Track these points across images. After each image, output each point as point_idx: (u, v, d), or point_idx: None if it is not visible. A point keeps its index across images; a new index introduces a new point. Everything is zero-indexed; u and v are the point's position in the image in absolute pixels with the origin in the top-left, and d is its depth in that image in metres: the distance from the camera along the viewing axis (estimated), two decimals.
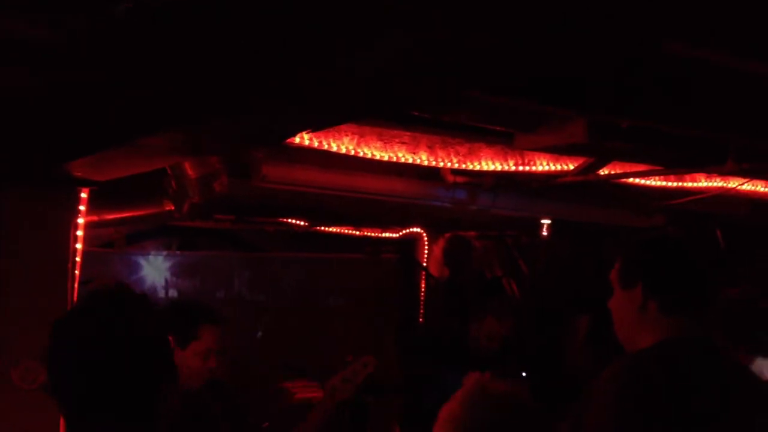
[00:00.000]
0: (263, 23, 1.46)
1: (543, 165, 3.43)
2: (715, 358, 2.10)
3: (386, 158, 3.22)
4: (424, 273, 5.52)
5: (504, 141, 2.86)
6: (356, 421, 3.93)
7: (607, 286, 2.25)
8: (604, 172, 3.48)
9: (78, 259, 2.60)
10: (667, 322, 2.06)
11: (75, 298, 2.61)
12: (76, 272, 2.62)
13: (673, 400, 1.95)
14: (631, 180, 3.58)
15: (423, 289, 5.53)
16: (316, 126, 2.20)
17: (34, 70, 1.82)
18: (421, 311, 5.51)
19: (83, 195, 2.57)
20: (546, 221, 4.47)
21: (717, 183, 3.86)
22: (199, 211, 3.20)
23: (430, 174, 3.65)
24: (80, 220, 2.58)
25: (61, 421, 2.48)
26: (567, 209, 4.09)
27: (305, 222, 4.90)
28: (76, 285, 2.63)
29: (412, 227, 5.45)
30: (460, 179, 3.56)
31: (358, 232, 5.34)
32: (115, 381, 1.57)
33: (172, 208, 3.21)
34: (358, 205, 3.99)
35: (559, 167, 3.45)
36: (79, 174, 2.33)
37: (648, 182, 3.65)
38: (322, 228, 5.14)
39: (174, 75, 1.69)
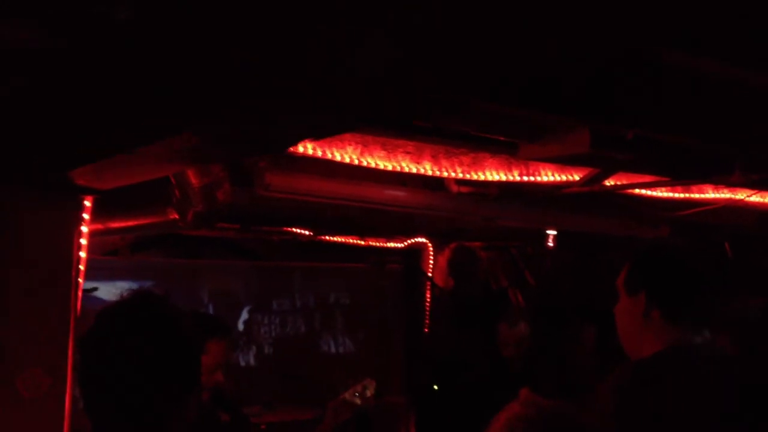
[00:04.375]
0: (260, 26, 1.46)
1: (548, 175, 3.41)
2: (721, 366, 2.08)
3: (390, 168, 3.21)
4: (429, 283, 5.50)
5: (508, 151, 2.85)
6: None
7: (613, 295, 2.25)
8: (609, 182, 3.46)
9: (82, 267, 2.60)
10: (670, 330, 2.06)
11: (78, 307, 2.61)
12: (80, 280, 2.62)
13: (676, 409, 1.94)
14: (637, 191, 3.57)
15: (428, 300, 5.52)
16: (319, 133, 2.19)
17: (35, 77, 1.82)
18: (427, 321, 5.49)
19: (87, 203, 2.57)
20: (552, 232, 4.46)
21: (724, 194, 3.84)
22: (202, 219, 3.20)
23: (435, 183, 3.64)
24: (84, 229, 2.57)
25: (66, 428, 2.48)
26: (572, 219, 4.07)
27: (310, 231, 4.90)
28: (79, 293, 2.63)
29: (417, 237, 5.45)
30: (464, 189, 3.55)
31: (362, 242, 5.33)
32: (146, 383, 1.58)
33: (176, 216, 3.21)
34: (363, 215, 3.99)
35: (564, 178, 3.44)
36: (82, 182, 2.33)
37: (654, 193, 3.63)
38: (327, 237, 5.14)
39: (172, 81, 1.68)
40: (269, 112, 1.62)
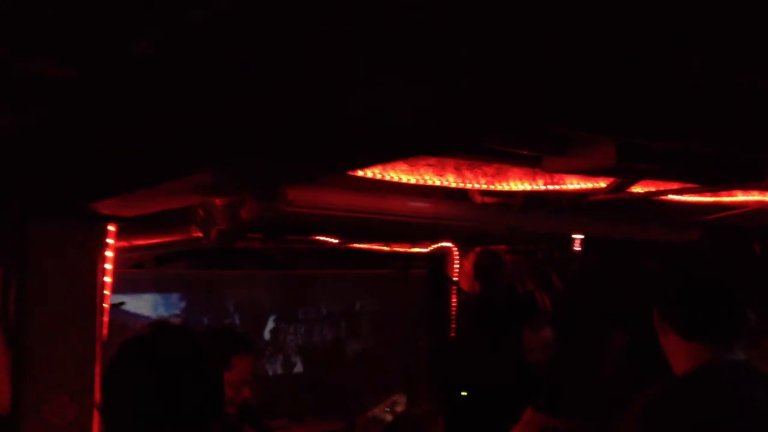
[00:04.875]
0: (280, 72, 1.44)
1: (573, 184, 3.36)
2: (754, 383, 2.02)
3: (413, 181, 3.18)
4: (454, 288, 5.47)
5: (532, 164, 2.81)
6: None
7: (640, 299, 2.20)
8: (636, 189, 3.40)
9: (107, 292, 2.60)
10: (692, 348, 2.00)
11: (105, 331, 2.62)
12: (105, 306, 2.63)
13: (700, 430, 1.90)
14: (664, 197, 3.51)
15: (454, 304, 5.49)
16: (346, 168, 2.18)
17: (58, 110, 1.82)
18: (453, 326, 5.46)
19: (111, 228, 2.57)
20: (578, 236, 4.40)
21: (754, 197, 3.76)
22: (226, 237, 3.19)
23: (458, 194, 3.61)
24: (108, 254, 2.58)
25: None
26: (599, 226, 4.01)
27: (336, 239, 4.89)
28: (105, 318, 2.64)
29: (442, 242, 5.42)
30: (488, 199, 3.51)
31: (387, 248, 5.31)
32: (165, 418, 1.58)
33: (200, 234, 3.21)
34: (388, 222, 3.97)
35: (590, 185, 3.39)
36: (107, 212, 2.33)
37: (683, 198, 3.57)
38: (352, 245, 5.12)
39: (195, 117, 1.67)
40: (298, 153, 1.61)
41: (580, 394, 4.15)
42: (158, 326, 1.74)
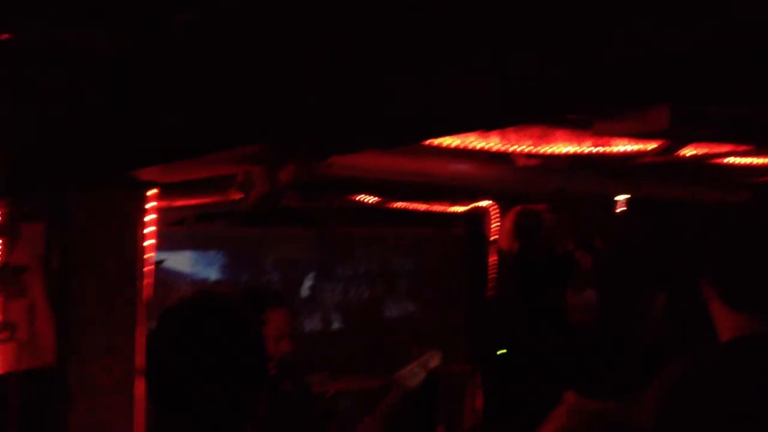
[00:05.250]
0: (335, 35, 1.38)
1: (621, 146, 3.27)
2: None
3: (456, 144, 3.11)
4: (492, 247, 5.42)
5: (582, 127, 2.72)
6: (423, 409, 3.95)
7: (683, 260, 2.09)
8: (686, 152, 3.29)
9: (149, 255, 2.61)
10: (736, 318, 1.86)
11: (144, 296, 2.63)
12: (146, 269, 2.63)
13: (718, 410, 1.76)
14: (715, 159, 3.39)
15: (492, 264, 5.44)
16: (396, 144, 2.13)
17: (100, 82, 1.79)
18: (490, 286, 5.43)
19: (152, 192, 2.56)
20: (623, 197, 4.31)
21: None
22: (265, 200, 3.17)
23: (500, 155, 3.53)
24: (149, 217, 2.58)
25: (139, 419, 2.52)
26: (646, 188, 3.92)
27: (376, 197, 4.86)
28: (149, 280, 2.64)
29: (482, 200, 5.35)
30: (532, 162, 3.43)
31: (426, 207, 5.26)
32: (215, 379, 1.58)
33: (240, 197, 3.19)
34: (428, 185, 3.92)
35: (638, 148, 3.29)
36: (148, 178, 2.32)
37: (734, 160, 3.45)
38: (390, 204, 5.09)
39: (247, 90, 1.63)
40: (348, 129, 1.56)
41: (622, 363, 4.11)
42: (201, 292, 1.74)
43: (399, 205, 5.13)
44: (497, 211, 5.43)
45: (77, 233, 2.43)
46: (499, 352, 5.02)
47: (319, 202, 4.99)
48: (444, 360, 3.75)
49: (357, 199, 4.84)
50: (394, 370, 3.54)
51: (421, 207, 5.23)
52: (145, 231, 2.53)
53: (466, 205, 5.36)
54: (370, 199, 4.87)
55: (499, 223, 5.44)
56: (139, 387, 2.48)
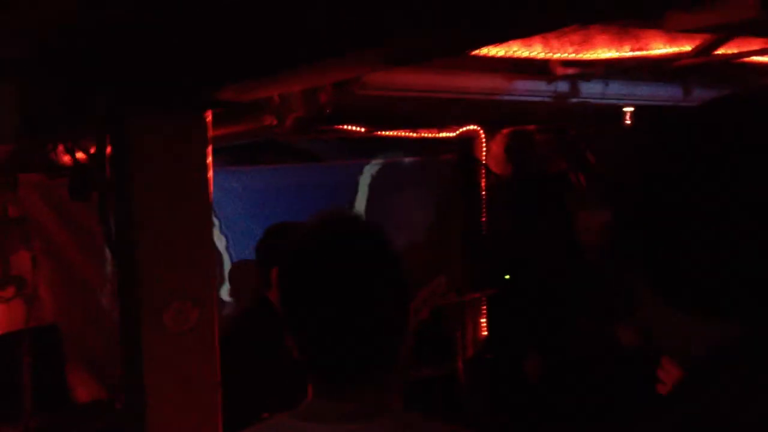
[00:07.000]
0: None
1: (659, 48, 3.19)
2: None
3: (501, 54, 2.96)
4: (483, 171, 5.35)
5: (652, 21, 2.62)
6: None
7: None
8: (721, 51, 3.24)
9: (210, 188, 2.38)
10: None
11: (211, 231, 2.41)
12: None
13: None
14: (749, 58, 3.36)
15: (484, 188, 5.38)
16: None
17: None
18: (484, 210, 5.37)
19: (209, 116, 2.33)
20: (629, 109, 4.26)
21: None
22: (302, 124, 2.96)
23: (528, 67, 3.41)
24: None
25: (212, 363, 2.31)
26: (671, 94, 3.88)
27: (363, 128, 4.68)
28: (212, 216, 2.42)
29: (469, 125, 5.24)
30: (570, 71, 3.32)
31: (414, 134, 5.12)
32: (369, 321, 1.38)
33: (273, 122, 2.97)
34: (418, 105, 3.75)
35: (675, 50, 3.22)
36: (226, 97, 2.07)
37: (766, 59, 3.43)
38: (379, 133, 4.92)
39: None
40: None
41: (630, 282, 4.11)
42: (340, 215, 1.51)
43: (388, 134, 4.97)
44: (484, 135, 5.34)
45: (136, 165, 2.18)
46: (505, 277, 4.99)
47: (309, 134, 4.78)
48: (449, 288, 3.68)
49: (346, 129, 4.65)
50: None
51: (411, 135, 5.09)
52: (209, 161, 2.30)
53: (455, 130, 5.24)
54: (358, 129, 4.69)
55: (486, 147, 5.36)
56: (217, 330, 2.29)
